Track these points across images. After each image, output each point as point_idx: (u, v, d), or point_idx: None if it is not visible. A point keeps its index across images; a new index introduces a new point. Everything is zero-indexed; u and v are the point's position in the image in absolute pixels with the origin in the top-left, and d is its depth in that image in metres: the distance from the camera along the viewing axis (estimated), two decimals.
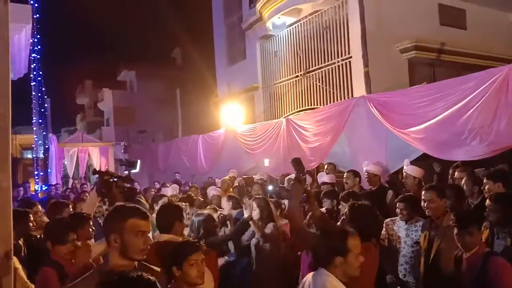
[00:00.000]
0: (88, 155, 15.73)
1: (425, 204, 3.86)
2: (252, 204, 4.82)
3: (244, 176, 8.36)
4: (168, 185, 8.91)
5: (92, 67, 32.23)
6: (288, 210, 3.50)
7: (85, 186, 11.94)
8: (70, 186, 14.78)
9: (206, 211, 4.38)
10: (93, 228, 3.65)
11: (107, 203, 3.98)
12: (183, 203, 6.03)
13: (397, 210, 4.21)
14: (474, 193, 4.59)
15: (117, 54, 31.28)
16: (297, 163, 3.48)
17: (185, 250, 2.69)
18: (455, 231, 3.10)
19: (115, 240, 2.12)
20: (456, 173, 5.21)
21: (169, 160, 13.29)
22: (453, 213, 3.28)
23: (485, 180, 4.38)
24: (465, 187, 4.68)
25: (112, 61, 30.50)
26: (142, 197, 6.24)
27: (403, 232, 4.13)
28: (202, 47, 18.02)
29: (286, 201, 6.18)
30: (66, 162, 15.95)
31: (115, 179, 3.47)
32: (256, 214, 4.71)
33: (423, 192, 3.95)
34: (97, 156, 15.61)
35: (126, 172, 3.72)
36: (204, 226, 3.95)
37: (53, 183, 13.04)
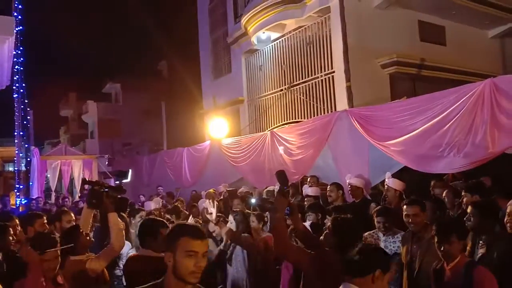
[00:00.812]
0: (71, 168, 15.51)
1: (410, 219, 3.82)
2: (229, 217, 4.85)
3: (228, 189, 8.36)
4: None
5: (77, 79, 32.08)
6: (271, 223, 3.46)
7: (66, 200, 11.73)
8: (53, 199, 14.55)
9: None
10: (93, 240, 3.59)
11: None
12: (169, 215, 6.00)
13: (375, 223, 4.26)
14: (455, 205, 4.70)
15: (102, 66, 31.19)
16: (281, 175, 3.45)
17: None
18: (436, 240, 3.09)
19: (168, 258, 2.01)
20: (436, 186, 5.33)
21: (154, 173, 13.21)
22: (434, 224, 3.27)
23: (463, 193, 4.50)
24: (446, 199, 4.79)
25: (97, 73, 30.46)
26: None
27: (382, 244, 4.19)
28: (188, 60, 18.09)
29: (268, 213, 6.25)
30: (48, 175, 15.70)
31: (106, 189, 3.41)
32: (232, 227, 4.71)
33: (405, 207, 3.90)
34: (80, 168, 15.40)
35: (117, 182, 3.69)
36: None
37: (35, 197, 12.80)
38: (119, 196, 3.50)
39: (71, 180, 16.18)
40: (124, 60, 29.72)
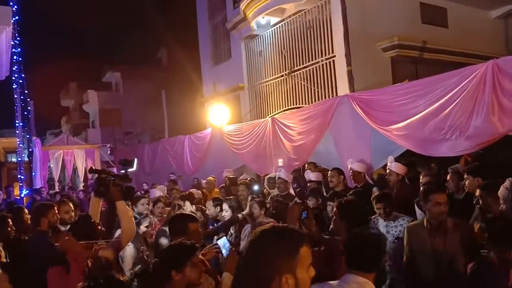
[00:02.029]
0: (74, 157, 15.55)
1: (442, 207, 3.49)
2: (223, 206, 4.87)
3: (229, 176, 8.36)
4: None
5: (77, 69, 31.86)
6: (289, 211, 3.53)
7: (68, 190, 11.78)
8: (56, 189, 14.62)
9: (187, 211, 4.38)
10: (103, 229, 3.58)
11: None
12: (183, 201, 5.99)
13: (375, 209, 4.24)
14: (460, 188, 4.69)
15: (101, 55, 31.08)
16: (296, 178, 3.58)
17: (185, 252, 2.53)
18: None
19: (286, 281, 1.40)
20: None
21: (156, 161, 13.21)
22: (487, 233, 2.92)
23: (465, 175, 4.49)
24: (451, 182, 4.77)
25: (97, 62, 30.20)
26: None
27: (383, 229, 4.18)
28: (188, 47, 17.95)
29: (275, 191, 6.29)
30: (51, 165, 15.75)
31: (112, 178, 3.38)
32: (228, 215, 4.74)
33: (436, 195, 3.55)
34: (83, 158, 15.44)
35: (123, 171, 3.66)
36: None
37: (38, 187, 12.86)
38: (125, 185, 3.47)
39: (74, 169, 16.24)
40: (124, 49, 29.47)
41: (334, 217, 3.47)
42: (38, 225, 4.28)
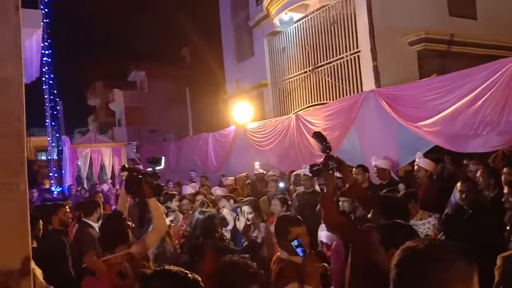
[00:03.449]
0: (101, 155, 15.92)
1: None
2: (243, 209, 4.69)
3: (255, 173, 8.38)
4: (184, 183, 8.96)
5: (103, 69, 32.55)
6: (321, 199, 3.36)
7: (98, 185, 12.08)
8: (86, 186, 14.98)
9: (210, 210, 4.31)
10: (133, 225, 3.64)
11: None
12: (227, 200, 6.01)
13: None
14: (490, 185, 4.53)
15: (126, 54, 31.59)
16: (318, 135, 3.48)
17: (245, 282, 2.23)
18: None
19: None
20: (471, 165, 5.16)
21: (181, 159, 13.40)
22: None
23: (505, 170, 4.29)
24: (481, 179, 4.62)
25: (122, 62, 30.77)
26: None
27: None
28: (210, 45, 18.06)
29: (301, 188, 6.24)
30: (79, 163, 16.18)
31: (143, 176, 3.42)
32: (252, 217, 4.63)
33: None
34: (110, 156, 15.78)
35: (150, 169, 3.72)
36: (202, 225, 3.90)
37: (68, 184, 13.25)
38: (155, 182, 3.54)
39: (102, 167, 16.62)
40: (148, 48, 29.96)
41: (374, 210, 3.28)
42: (49, 223, 4.44)
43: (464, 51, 9.49)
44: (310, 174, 6.17)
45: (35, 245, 4.06)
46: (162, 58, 27.73)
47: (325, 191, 3.34)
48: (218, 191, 7.14)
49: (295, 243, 2.56)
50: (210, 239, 3.91)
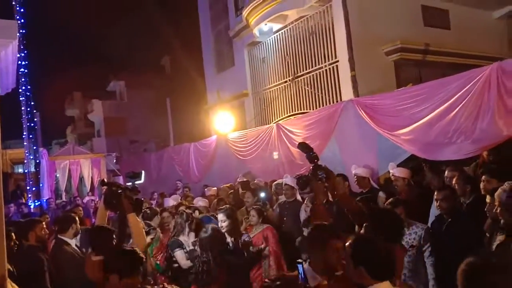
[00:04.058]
0: (80, 167, 15.64)
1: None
2: (219, 216, 4.69)
3: (240, 181, 8.35)
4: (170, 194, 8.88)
5: (81, 79, 32.02)
6: (312, 212, 3.32)
7: (78, 199, 11.86)
8: (64, 199, 14.68)
9: (210, 226, 4.18)
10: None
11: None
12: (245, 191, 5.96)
13: None
14: (466, 191, 4.61)
15: (105, 64, 31.19)
16: (302, 145, 3.34)
17: None
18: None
19: None
20: (447, 172, 5.26)
21: (162, 169, 13.27)
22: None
23: (483, 177, 4.35)
24: (456, 186, 4.70)
25: (101, 72, 30.38)
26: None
27: None
28: (191, 55, 18.07)
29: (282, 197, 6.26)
30: (58, 175, 15.85)
31: (122, 190, 3.41)
32: (226, 225, 4.57)
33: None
34: (89, 167, 15.53)
35: (130, 183, 3.66)
36: (212, 243, 3.85)
37: (46, 198, 12.96)
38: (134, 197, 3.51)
39: (80, 179, 16.33)
40: (127, 57, 29.67)
41: (366, 224, 3.06)
42: (25, 239, 4.35)
43: (439, 60, 9.75)
44: (296, 186, 6.23)
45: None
46: (142, 67, 27.53)
47: (314, 203, 3.22)
48: (200, 202, 7.11)
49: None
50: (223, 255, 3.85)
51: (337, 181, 3.39)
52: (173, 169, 12.44)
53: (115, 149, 19.68)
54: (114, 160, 16.99)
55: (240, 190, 7.66)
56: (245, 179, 8.39)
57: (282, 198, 6.43)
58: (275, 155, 8.43)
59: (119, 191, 3.37)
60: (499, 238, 3.35)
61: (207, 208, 6.75)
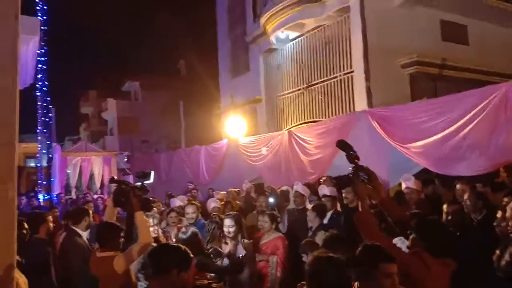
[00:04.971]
0: (91, 164, 15.78)
1: None
2: (226, 221, 4.59)
3: (255, 183, 8.29)
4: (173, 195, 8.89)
5: (97, 78, 32.53)
6: (358, 217, 2.90)
7: (88, 195, 11.95)
8: (73, 195, 14.82)
9: (191, 229, 4.17)
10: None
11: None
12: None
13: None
14: (478, 208, 4.53)
15: (122, 65, 31.64)
16: (342, 143, 3.02)
17: None
18: None
19: None
20: (458, 186, 5.19)
21: (172, 170, 13.32)
22: None
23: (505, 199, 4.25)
24: (467, 202, 4.62)
25: (117, 72, 30.77)
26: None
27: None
28: (207, 59, 18.21)
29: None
30: (69, 171, 16.01)
31: (130, 189, 3.47)
32: (233, 231, 4.52)
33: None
34: (100, 165, 15.65)
35: (139, 183, 3.73)
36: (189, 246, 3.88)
37: (57, 192, 13.10)
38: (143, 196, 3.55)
39: (91, 176, 16.48)
40: (144, 59, 30.10)
41: (413, 236, 2.90)
42: (36, 232, 4.40)
43: (455, 75, 9.69)
44: (302, 191, 6.18)
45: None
46: (157, 69, 27.85)
47: (359, 207, 2.89)
48: (212, 203, 7.08)
49: None
50: (198, 256, 3.86)
51: (380, 183, 2.94)
52: (183, 171, 12.47)
53: (126, 148, 19.86)
54: (125, 159, 17.13)
55: (253, 193, 7.64)
56: (250, 185, 8.38)
57: (290, 206, 6.41)
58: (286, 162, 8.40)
59: (128, 189, 3.41)
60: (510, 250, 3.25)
61: (220, 208, 6.71)
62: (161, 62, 28.36)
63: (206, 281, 2.31)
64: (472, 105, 5.11)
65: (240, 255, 4.51)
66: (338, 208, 5.94)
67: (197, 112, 19.36)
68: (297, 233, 5.84)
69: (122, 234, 3.53)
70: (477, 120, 5.03)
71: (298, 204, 6.17)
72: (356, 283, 2.30)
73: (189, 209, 5.60)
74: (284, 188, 7.18)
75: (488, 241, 3.78)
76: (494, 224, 3.43)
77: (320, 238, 4.78)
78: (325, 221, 5.53)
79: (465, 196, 4.67)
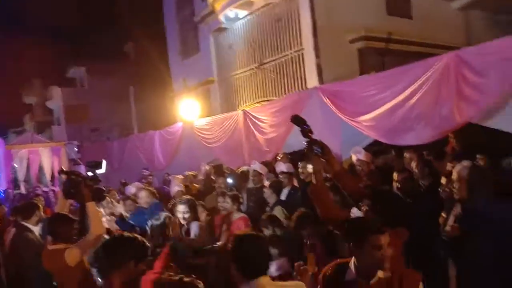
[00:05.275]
0: (39, 156, 15.04)
1: None
2: (180, 207, 4.60)
3: (212, 165, 8.24)
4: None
5: (39, 65, 30.68)
6: (312, 191, 2.93)
7: (38, 189, 11.44)
8: (22, 190, 14.13)
9: (162, 214, 4.13)
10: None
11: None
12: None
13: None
14: (425, 174, 4.78)
15: (65, 50, 29.97)
16: (295, 118, 3.00)
17: None
18: None
19: None
20: (405, 155, 5.44)
21: (125, 158, 12.98)
22: None
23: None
24: (415, 169, 4.88)
25: (60, 58, 29.22)
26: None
27: None
28: (155, 41, 17.63)
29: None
30: (15, 165, 15.20)
31: (81, 179, 3.43)
32: (187, 217, 4.56)
33: None
34: (49, 157, 14.96)
35: (90, 173, 3.64)
36: (163, 231, 3.80)
37: (3, 188, 12.43)
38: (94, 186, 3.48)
39: (40, 168, 15.74)
40: (89, 43, 28.64)
41: (366, 209, 2.96)
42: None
43: (401, 48, 10.00)
44: (260, 170, 6.22)
45: None
46: (104, 54, 26.67)
47: (312, 180, 2.93)
48: (176, 187, 6.98)
49: None
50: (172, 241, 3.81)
51: (333, 156, 2.97)
52: (137, 158, 12.19)
53: (76, 137, 19.09)
54: (76, 149, 16.47)
55: (212, 175, 7.61)
56: (207, 168, 8.34)
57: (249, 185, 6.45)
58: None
59: (79, 180, 3.33)
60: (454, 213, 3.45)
61: (183, 192, 6.64)
62: (108, 46, 27.13)
63: (176, 277, 2.26)
64: (416, 76, 5.30)
65: (193, 235, 4.52)
66: (296, 183, 6.07)
67: (149, 97, 18.85)
68: (257, 211, 5.92)
69: (75, 226, 3.44)
70: (422, 91, 5.23)
71: (256, 182, 6.23)
72: (353, 258, 2.35)
73: (142, 193, 5.54)
74: (245, 168, 7.20)
75: (436, 205, 4.03)
76: (439, 189, 3.62)
77: (277, 212, 4.89)
78: (283, 197, 5.64)
79: (413, 164, 4.93)
